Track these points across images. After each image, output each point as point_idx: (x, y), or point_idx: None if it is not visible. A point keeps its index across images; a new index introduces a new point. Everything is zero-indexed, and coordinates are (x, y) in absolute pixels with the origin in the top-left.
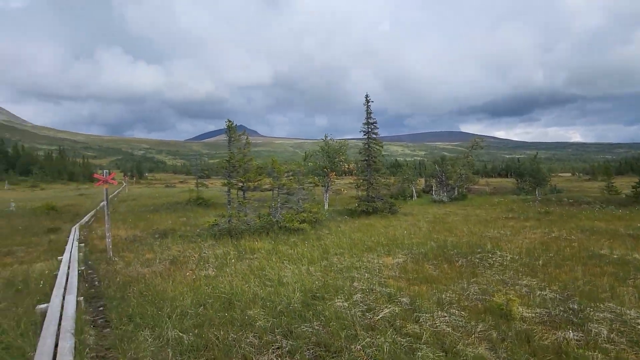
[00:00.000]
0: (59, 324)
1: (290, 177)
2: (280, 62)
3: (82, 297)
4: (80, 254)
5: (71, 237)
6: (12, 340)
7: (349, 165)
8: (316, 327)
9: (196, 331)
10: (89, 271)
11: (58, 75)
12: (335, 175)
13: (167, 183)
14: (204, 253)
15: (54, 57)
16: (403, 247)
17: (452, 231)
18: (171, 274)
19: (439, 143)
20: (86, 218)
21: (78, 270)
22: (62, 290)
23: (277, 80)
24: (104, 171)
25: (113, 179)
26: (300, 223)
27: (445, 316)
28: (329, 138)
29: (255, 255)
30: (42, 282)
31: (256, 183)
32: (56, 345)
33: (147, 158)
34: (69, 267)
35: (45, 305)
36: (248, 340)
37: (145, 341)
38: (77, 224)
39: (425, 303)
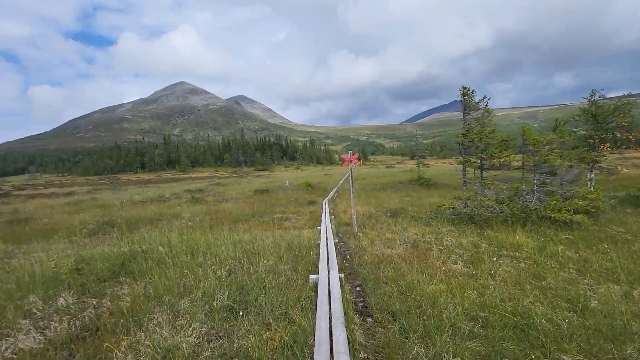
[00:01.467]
0: (329, 304)
1: (554, 150)
2: (502, 18)
3: (342, 274)
4: (332, 226)
5: (324, 210)
6: (296, 316)
7: (634, 134)
8: None
9: None
10: (341, 243)
11: (306, 83)
12: (609, 148)
13: (387, 164)
14: (447, 240)
15: (303, 70)
16: None
17: None
18: (419, 262)
19: None
20: (331, 194)
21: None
22: (326, 263)
23: (498, 41)
24: (349, 152)
25: (356, 158)
26: (572, 213)
27: None
28: (597, 96)
29: (516, 253)
30: (311, 252)
31: (502, 160)
32: (330, 333)
33: (369, 142)
34: (327, 238)
35: (315, 276)
36: None
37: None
38: (326, 199)
39: None
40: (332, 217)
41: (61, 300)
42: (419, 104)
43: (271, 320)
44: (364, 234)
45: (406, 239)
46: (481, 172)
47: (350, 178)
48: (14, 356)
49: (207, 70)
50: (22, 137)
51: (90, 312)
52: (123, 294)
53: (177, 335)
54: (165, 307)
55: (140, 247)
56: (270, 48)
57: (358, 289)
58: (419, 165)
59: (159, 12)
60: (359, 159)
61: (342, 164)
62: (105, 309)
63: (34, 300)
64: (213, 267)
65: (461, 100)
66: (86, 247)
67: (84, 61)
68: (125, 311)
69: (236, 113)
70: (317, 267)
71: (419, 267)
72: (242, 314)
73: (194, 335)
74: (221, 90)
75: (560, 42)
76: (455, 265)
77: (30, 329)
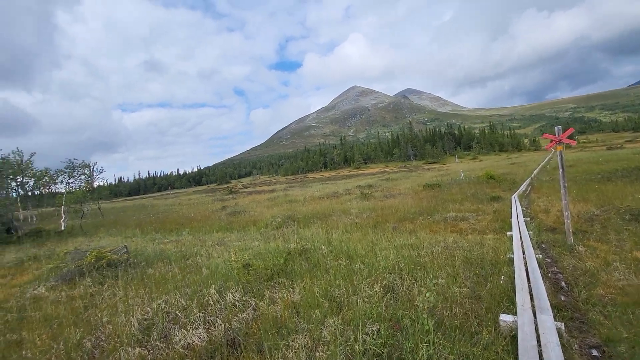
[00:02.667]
0: None
1: None
2: None
3: (562, 324)
4: (529, 232)
5: (514, 209)
6: None
7: None
8: None
9: None
10: (546, 260)
11: (481, 61)
12: None
13: (608, 144)
14: None
15: (476, 46)
16: None
17: None
18: None
19: None
20: (522, 187)
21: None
22: (527, 296)
23: None
24: (556, 128)
25: (570, 137)
26: None
27: None
28: None
29: None
30: (500, 273)
31: None
32: None
33: (574, 118)
34: (523, 252)
35: (510, 319)
36: None
37: None
38: (516, 194)
39: None
40: (527, 218)
41: (230, 296)
42: None
43: None
44: (587, 248)
45: None
46: None
47: (559, 164)
48: (182, 350)
49: (374, 70)
50: (248, 149)
51: (247, 313)
52: (279, 297)
53: None
54: (307, 326)
55: (303, 245)
56: (435, 32)
57: (596, 354)
58: None
59: (331, 29)
60: (571, 137)
61: (546, 147)
62: (258, 314)
63: (213, 292)
64: (368, 278)
65: None
66: (269, 238)
67: (282, 84)
68: (271, 323)
69: (403, 107)
70: (511, 299)
71: None
72: None
73: None
74: (388, 87)
75: None
76: None
77: (200, 325)
